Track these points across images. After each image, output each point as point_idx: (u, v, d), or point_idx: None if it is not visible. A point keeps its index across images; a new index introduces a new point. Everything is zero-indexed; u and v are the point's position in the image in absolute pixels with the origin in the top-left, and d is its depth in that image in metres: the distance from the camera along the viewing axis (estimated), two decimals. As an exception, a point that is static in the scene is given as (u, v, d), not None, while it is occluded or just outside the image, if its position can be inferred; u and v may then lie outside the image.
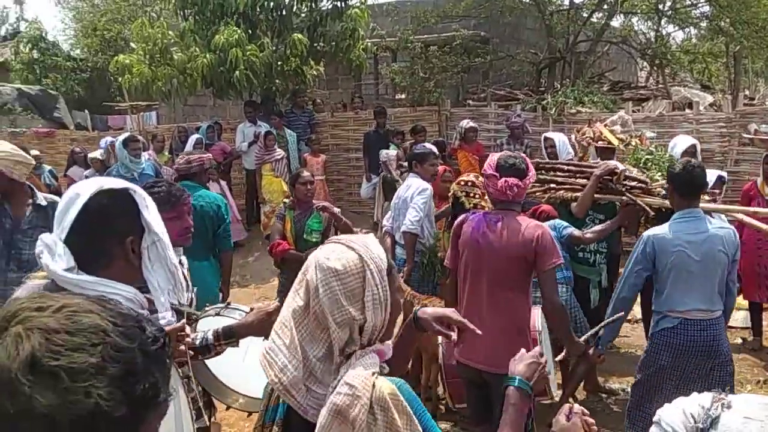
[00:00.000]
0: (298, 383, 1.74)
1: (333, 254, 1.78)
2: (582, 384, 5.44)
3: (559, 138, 7.43)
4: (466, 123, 9.54)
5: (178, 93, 11.32)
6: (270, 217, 10.20)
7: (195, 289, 3.38)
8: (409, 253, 5.41)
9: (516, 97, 12.33)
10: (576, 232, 4.93)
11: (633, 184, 4.90)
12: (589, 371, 5.27)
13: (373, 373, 1.70)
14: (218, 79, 10.73)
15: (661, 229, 4.07)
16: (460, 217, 3.89)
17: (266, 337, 2.70)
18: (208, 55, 10.37)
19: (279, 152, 10.48)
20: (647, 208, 4.76)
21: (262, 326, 2.59)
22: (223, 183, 10.51)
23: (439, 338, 3.53)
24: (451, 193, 5.02)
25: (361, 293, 1.74)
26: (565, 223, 4.97)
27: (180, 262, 3.21)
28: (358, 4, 11.44)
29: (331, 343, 1.74)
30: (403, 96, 13.31)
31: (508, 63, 13.68)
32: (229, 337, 2.61)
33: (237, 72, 10.19)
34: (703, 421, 1.28)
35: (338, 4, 11.29)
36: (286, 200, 5.83)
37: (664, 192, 4.57)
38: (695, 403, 1.33)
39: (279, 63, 11.01)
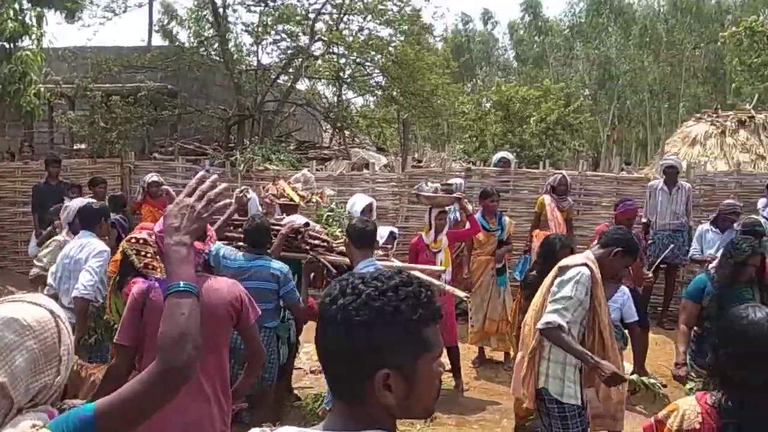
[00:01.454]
0: None
1: (19, 312, 1.60)
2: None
3: (252, 195, 7.49)
4: (150, 177, 9.15)
5: None
6: None
7: None
8: (80, 320, 4.90)
9: (205, 152, 12.26)
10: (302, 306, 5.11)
11: (316, 242, 5.14)
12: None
13: (34, 425, 1.57)
14: None
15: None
16: (140, 285, 3.38)
17: None
18: None
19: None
20: (329, 266, 5.02)
21: None
22: None
23: None
24: (120, 250, 4.46)
25: (57, 348, 1.63)
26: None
27: None
28: (31, 47, 10.44)
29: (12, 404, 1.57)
30: (83, 146, 12.45)
31: (197, 117, 13.65)
32: None
33: None
34: None
35: (6, 45, 10.18)
36: None
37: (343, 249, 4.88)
38: None
39: (-74, 104, 9.55)
